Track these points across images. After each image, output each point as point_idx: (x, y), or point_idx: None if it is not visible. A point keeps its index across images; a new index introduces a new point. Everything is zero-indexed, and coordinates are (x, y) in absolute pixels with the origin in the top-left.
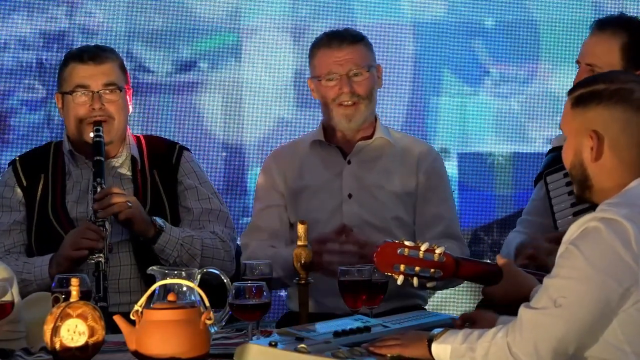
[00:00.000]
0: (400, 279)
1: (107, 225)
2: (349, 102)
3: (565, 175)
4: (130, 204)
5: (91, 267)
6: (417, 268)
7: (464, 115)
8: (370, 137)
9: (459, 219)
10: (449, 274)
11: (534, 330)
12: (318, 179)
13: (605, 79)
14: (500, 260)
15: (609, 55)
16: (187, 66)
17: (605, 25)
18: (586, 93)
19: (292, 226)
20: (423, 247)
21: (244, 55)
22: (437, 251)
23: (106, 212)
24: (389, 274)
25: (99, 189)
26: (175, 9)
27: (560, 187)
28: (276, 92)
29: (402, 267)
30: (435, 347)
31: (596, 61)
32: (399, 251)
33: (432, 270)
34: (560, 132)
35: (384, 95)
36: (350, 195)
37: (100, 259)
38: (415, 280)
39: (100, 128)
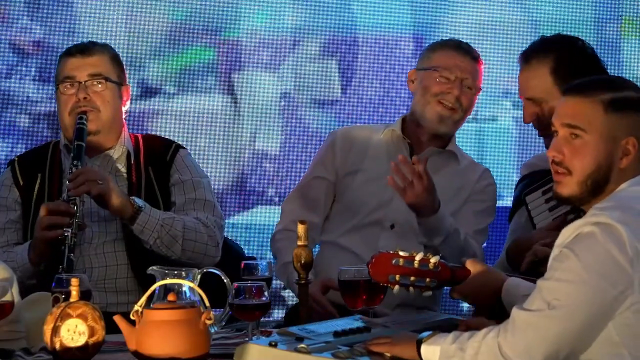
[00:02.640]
0: (395, 289)
1: (77, 201)
2: (449, 105)
3: (544, 192)
4: (101, 182)
5: (78, 253)
6: (412, 278)
7: (481, 142)
8: (443, 146)
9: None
10: (444, 283)
11: (527, 331)
12: (378, 167)
13: (630, 86)
14: (467, 262)
15: (543, 83)
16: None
17: (530, 56)
18: (620, 98)
19: (334, 203)
20: (418, 257)
21: (244, 58)
22: (432, 260)
23: (77, 191)
24: (384, 284)
25: (74, 170)
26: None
27: (540, 205)
28: (277, 94)
29: (397, 277)
30: (425, 349)
31: (534, 94)
32: (393, 261)
33: (427, 279)
34: (528, 158)
35: (384, 103)
36: None
37: (67, 233)
38: (411, 290)
39: (84, 116)
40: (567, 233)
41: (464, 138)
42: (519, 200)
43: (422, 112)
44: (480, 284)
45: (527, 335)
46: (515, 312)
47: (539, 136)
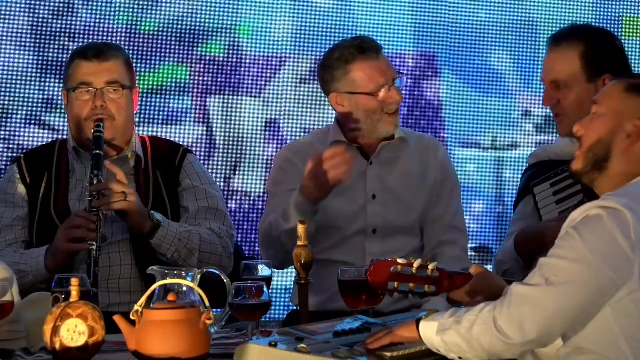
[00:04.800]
0: (395, 296)
1: (100, 215)
2: (395, 110)
3: (552, 185)
4: (126, 195)
5: (84, 256)
6: (411, 285)
7: (500, 173)
8: (389, 137)
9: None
10: (443, 289)
11: (522, 305)
12: None
13: None
14: (472, 267)
15: (570, 67)
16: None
17: (560, 39)
18: None
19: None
20: (416, 264)
21: (243, 59)
22: (430, 267)
23: (100, 202)
24: (383, 292)
25: (95, 182)
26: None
27: (547, 197)
28: (276, 93)
29: (395, 284)
30: (423, 325)
31: (559, 76)
32: (392, 269)
33: (426, 286)
34: (536, 149)
35: None
36: (374, 196)
37: (92, 247)
38: (410, 297)
39: (101, 124)
40: (575, 215)
41: (482, 168)
42: (526, 189)
43: (373, 130)
44: (480, 289)
45: (523, 309)
46: (513, 286)
47: (554, 120)
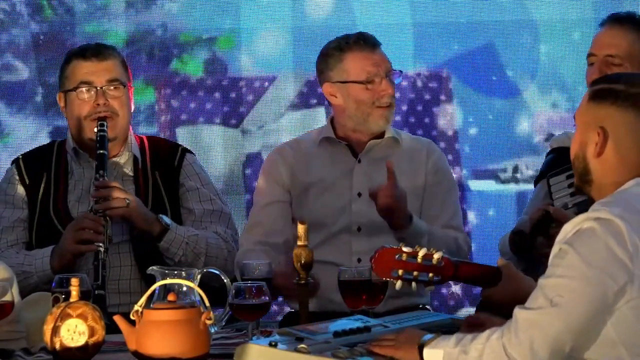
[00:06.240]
0: (398, 284)
1: (107, 217)
2: (387, 104)
3: (568, 177)
4: (128, 201)
5: (91, 257)
6: (415, 273)
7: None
8: (380, 135)
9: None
10: (447, 278)
11: (530, 330)
12: (327, 176)
13: (627, 80)
14: (500, 261)
15: (633, 45)
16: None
17: (622, 20)
18: (605, 89)
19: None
20: (421, 253)
21: (243, 53)
22: (436, 256)
23: (102, 206)
24: (387, 279)
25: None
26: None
27: (562, 188)
28: (275, 92)
29: (400, 272)
30: (427, 352)
31: (617, 51)
32: (396, 257)
33: (430, 274)
34: (559, 133)
35: None
36: (359, 194)
37: (99, 248)
38: (413, 285)
39: (105, 123)
40: (568, 228)
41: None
42: (544, 173)
43: (363, 123)
44: (513, 289)
45: (531, 334)
46: (517, 311)
47: None
